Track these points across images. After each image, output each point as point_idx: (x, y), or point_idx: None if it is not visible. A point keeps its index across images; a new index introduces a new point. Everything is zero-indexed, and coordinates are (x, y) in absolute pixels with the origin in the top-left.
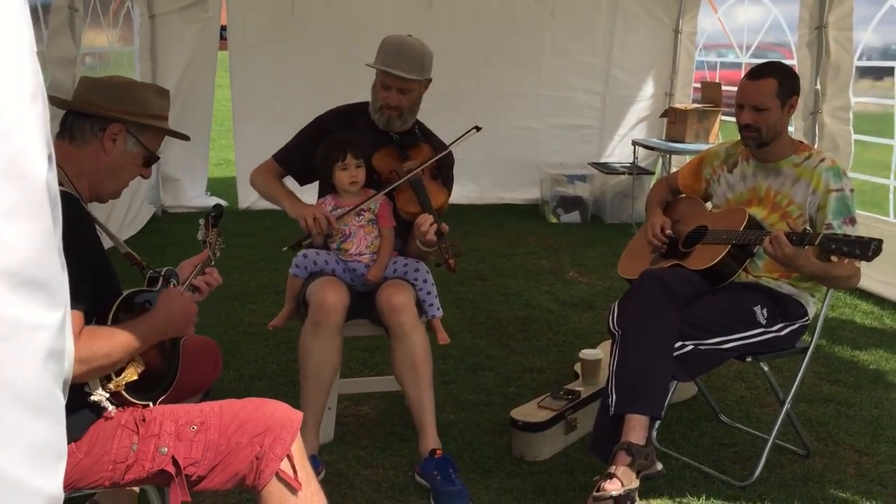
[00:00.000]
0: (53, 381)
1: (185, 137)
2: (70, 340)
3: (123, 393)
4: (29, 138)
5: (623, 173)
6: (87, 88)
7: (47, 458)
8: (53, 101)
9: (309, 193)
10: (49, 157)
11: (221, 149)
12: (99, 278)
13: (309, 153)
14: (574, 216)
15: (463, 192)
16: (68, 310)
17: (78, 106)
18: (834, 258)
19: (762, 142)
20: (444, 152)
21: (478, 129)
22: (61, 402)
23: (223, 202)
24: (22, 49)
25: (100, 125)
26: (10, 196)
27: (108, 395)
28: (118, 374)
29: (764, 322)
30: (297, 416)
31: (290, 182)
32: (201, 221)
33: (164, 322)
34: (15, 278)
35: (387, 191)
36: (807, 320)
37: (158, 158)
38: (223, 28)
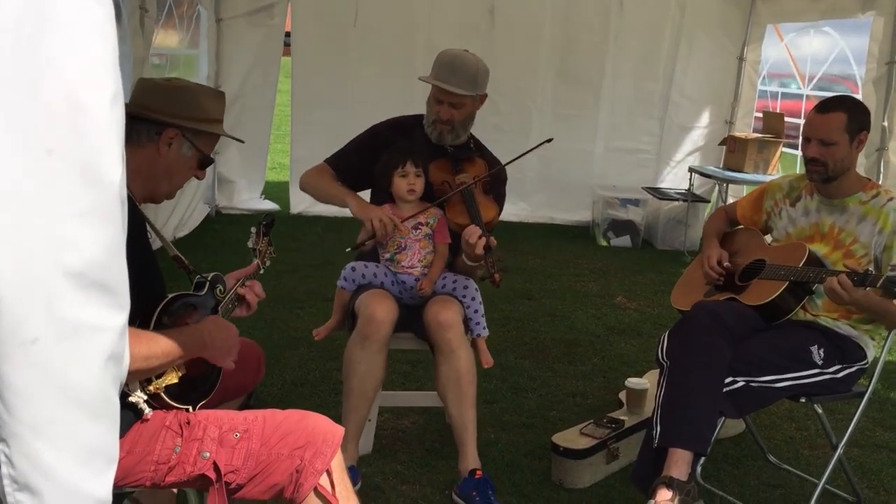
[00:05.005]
0: (112, 385)
1: (240, 141)
2: (127, 343)
3: (163, 395)
4: (106, 141)
5: (678, 200)
6: (143, 91)
7: (99, 461)
8: None
9: None
10: (123, 161)
11: (277, 153)
12: (144, 279)
13: (361, 160)
14: (625, 240)
15: (513, 210)
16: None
17: (135, 110)
18: None
19: (828, 176)
20: (504, 165)
21: (549, 140)
22: (117, 405)
23: (276, 206)
24: (106, 54)
25: (156, 129)
26: (85, 197)
27: (146, 397)
28: (158, 376)
29: (820, 363)
30: (339, 430)
31: None
32: (253, 230)
33: (204, 340)
34: (83, 279)
35: (439, 201)
36: (865, 363)
37: (213, 161)
38: (287, 34)
